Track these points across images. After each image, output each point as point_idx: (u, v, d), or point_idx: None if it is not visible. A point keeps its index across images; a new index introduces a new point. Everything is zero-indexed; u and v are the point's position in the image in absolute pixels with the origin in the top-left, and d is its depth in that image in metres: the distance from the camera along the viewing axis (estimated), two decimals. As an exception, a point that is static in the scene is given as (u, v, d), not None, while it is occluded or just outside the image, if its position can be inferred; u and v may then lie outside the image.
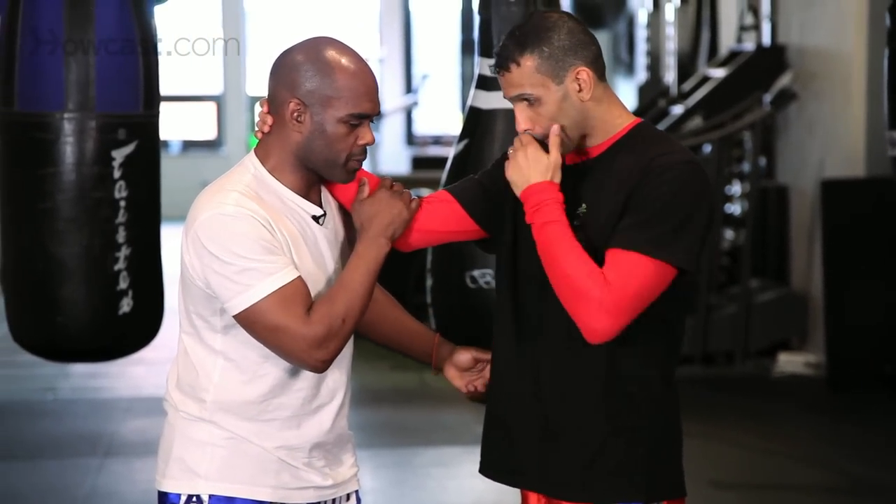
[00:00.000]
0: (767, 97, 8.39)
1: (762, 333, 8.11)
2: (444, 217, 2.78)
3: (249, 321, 2.58)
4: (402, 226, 2.68)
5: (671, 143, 2.65)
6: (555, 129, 2.62)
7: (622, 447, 2.69)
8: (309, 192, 2.72)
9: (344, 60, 2.66)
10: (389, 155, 15.23)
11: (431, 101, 15.45)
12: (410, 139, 15.92)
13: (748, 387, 7.73)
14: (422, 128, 16.02)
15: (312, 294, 2.62)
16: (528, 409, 2.71)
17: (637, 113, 10.11)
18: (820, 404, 7.36)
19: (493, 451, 2.79)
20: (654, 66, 11.37)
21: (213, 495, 2.67)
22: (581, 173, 2.67)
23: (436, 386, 6.86)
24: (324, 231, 2.72)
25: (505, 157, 2.76)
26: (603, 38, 13.77)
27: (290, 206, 2.68)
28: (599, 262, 2.58)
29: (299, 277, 2.59)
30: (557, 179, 2.62)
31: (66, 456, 6.33)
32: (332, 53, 2.65)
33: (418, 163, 12.90)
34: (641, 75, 11.85)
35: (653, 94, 10.56)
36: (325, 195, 2.76)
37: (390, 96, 15.56)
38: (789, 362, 8.00)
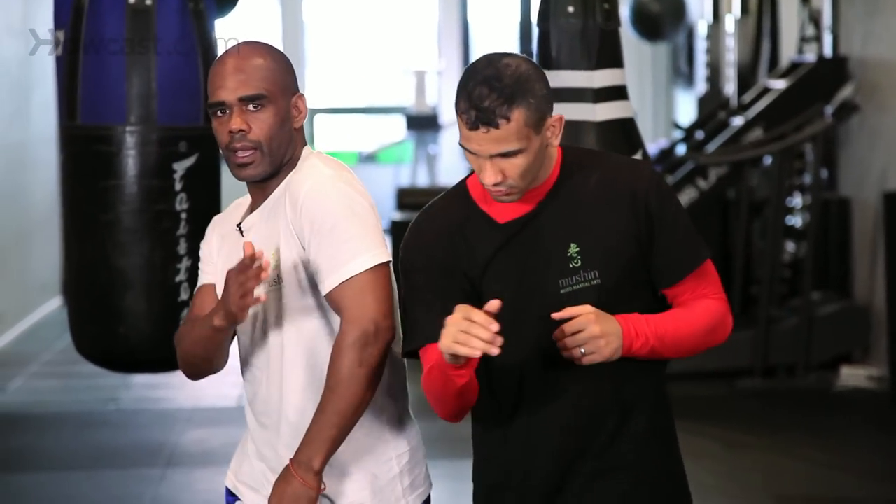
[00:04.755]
0: (829, 109, 8.32)
1: (824, 346, 8.04)
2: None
3: None
4: None
5: (610, 154, 2.70)
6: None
7: (677, 469, 2.70)
8: (255, 195, 2.73)
9: (221, 56, 2.67)
10: (447, 166, 15.24)
11: (490, 113, 15.44)
12: (469, 151, 15.92)
13: (810, 400, 7.65)
14: (480, 140, 16.01)
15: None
16: (557, 463, 2.61)
17: (697, 124, 10.07)
18: (882, 418, 7.28)
19: None
20: (714, 77, 11.30)
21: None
22: (544, 217, 2.57)
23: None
24: (242, 241, 2.67)
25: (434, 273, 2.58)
26: (662, 49, 13.73)
27: (237, 215, 2.78)
28: (611, 285, 2.54)
29: (199, 293, 2.80)
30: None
31: (128, 466, 6.38)
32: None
33: (477, 175, 12.91)
34: (701, 87, 11.78)
35: (713, 106, 10.50)
36: (274, 199, 2.68)
37: (449, 108, 15.57)
38: (852, 376, 7.92)
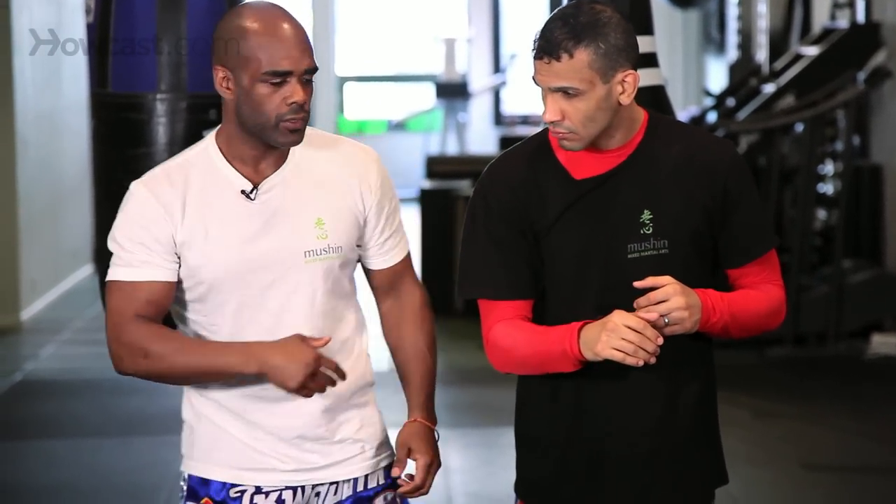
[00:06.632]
0: (861, 75, 8.27)
1: (855, 314, 8.01)
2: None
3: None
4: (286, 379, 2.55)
5: (696, 127, 2.68)
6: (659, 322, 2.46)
7: (719, 447, 2.74)
8: (260, 161, 2.68)
9: (259, 20, 2.62)
10: (477, 135, 15.24)
11: (519, 80, 15.42)
12: (498, 119, 15.91)
13: (840, 368, 7.64)
14: (510, 107, 16.00)
15: (246, 271, 2.62)
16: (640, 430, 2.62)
17: (728, 92, 10.02)
18: (914, 386, 7.26)
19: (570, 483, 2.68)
20: (746, 44, 11.24)
21: (190, 475, 2.73)
22: (621, 179, 2.56)
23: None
24: (255, 206, 2.66)
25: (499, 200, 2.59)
26: (693, 16, 13.65)
27: (223, 180, 2.68)
28: (678, 257, 2.54)
29: (150, 282, 2.62)
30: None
31: (159, 433, 6.42)
32: (249, 14, 2.63)
33: (506, 142, 12.89)
34: (732, 54, 11.72)
35: (744, 73, 10.45)
36: (294, 164, 2.68)
37: (478, 76, 15.55)
38: (883, 343, 7.89)
